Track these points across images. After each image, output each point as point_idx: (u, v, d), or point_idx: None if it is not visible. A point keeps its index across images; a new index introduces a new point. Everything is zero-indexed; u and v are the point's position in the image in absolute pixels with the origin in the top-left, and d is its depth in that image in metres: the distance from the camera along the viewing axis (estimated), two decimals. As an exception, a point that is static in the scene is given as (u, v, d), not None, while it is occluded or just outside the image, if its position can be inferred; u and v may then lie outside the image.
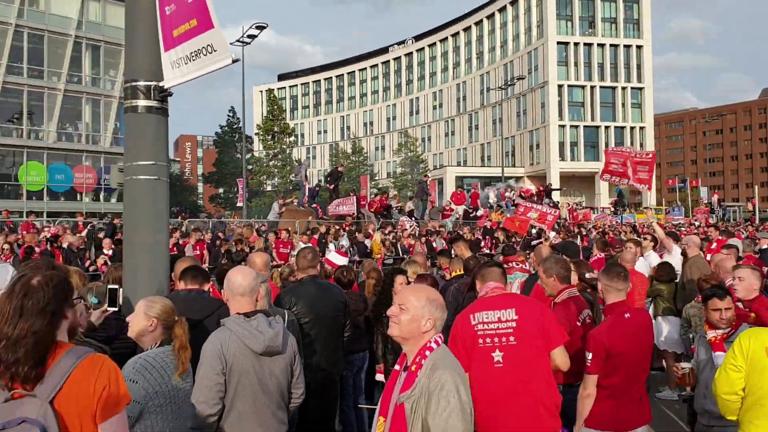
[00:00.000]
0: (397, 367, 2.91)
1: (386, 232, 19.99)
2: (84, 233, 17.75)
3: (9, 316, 2.16)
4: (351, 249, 16.43)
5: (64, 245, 14.73)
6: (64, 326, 2.30)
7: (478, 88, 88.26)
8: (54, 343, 2.22)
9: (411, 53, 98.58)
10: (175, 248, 13.64)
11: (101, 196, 43.27)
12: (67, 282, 2.34)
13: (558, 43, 76.09)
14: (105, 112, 43.41)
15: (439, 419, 2.59)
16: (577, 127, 76.24)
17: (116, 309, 4.13)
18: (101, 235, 16.78)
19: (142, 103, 4.53)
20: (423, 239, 18.49)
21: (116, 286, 4.22)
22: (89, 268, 13.21)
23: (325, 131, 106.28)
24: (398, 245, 17.86)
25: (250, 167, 58.13)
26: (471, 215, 27.75)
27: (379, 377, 6.26)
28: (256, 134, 69.30)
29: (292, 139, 67.15)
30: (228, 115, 71.39)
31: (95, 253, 15.28)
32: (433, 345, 2.78)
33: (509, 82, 62.58)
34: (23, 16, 39.45)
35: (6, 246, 13.39)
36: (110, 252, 14.25)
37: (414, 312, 2.79)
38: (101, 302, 4.11)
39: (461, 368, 2.82)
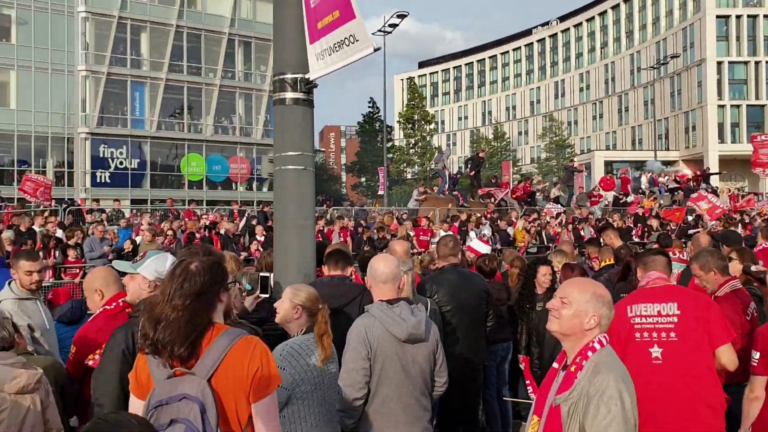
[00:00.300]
0: (555, 365, 2.71)
1: (530, 219, 19.51)
2: (242, 222, 18.72)
3: (170, 298, 2.28)
4: (493, 237, 16.20)
5: (221, 231, 15.68)
6: (219, 308, 2.41)
7: (627, 68, 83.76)
8: (210, 325, 2.32)
9: (555, 34, 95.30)
10: (319, 235, 14.12)
11: (254, 186, 45.69)
12: (222, 267, 2.44)
13: (717, 17, 70.43)
14: (256, 106, 45.73)
15: (598, 427, 2.39)
16: (738, 106, 70.32)
17: (267, 295, 4.32)
18: (254, 222, 17.68)
19: (289, 95, 4.66)
20: (570, 227, 17.86)
21: (267, 274, 4.40)
22: (243, 253, 13.97)
23: (466, 117, 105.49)
24: (543, 233, 17.38)
25: (390, 156, 58.98)
26: (621, 201, 26.44)
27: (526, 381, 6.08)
28: (397, 122, 70.13)
29: (432, 126, 67.26)
30: (368, 106, 72.77)
31: (249, 239, 16.17)
32: (597, 345, 2.56)
33: (662, 61, 58.84)
34: (183, 17, 42.32)
35: (170, 232, 14.47)
36: (262, 238, 14.98)
37: (577, 307, 2.58)
38: (254, 288, 4.31)
39: (627, 373, 2.57)
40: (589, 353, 2.55)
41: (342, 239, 15.48)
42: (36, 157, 39.38)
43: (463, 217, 18.27)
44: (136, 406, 2.33)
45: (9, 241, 10.89)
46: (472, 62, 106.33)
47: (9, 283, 4.53)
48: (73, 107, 39.60)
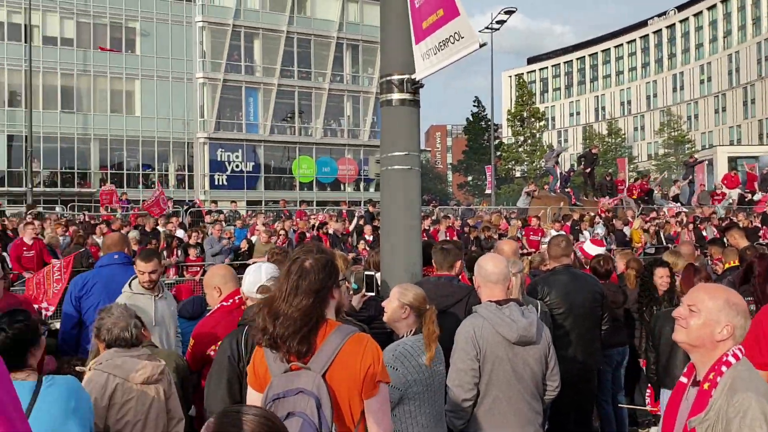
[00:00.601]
0: (683, 379, 2.46)
1: (648, 219, 18.65)
2: (354, 222, 18.94)
3: (285, 295, 2.34)
4: (607, 237, 15.59)
5: (330, 231, 16.01)
6: (332, 305, 2.45)
7: (754, 58, 78.41)
8: (324, 321, 2.37)
9: (673, 25, 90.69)
10: (425, 235, 14.12)
11: (361, 186, 46.43)
12: (334, 264, 2.48)
13: None
14: (364, 108, 46.43)
15: None
16: None
17: (374, 294, 4.35)
18: (362, 222, 17.93)
19: (396, 96, 4.68)
20: (691, 227, 16.93)
21: (373, 273, 4.43)
22: (351, 253, 14.19)
23: (578, 113, 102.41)
24: (661, 233, 16.57)
25: (498, 154, 58.22)
26: (747, 200, 24.77)
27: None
28: (505, 120, 69.15)
29: (542, 123, 65.79)
30: (473, 105, 72.15)
31: (357, 239, 16.42)
32: (731, 359, 2.28)
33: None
34: (293, 23, 43.61)
35: (283, 232, 14.94)
36: (371, 238, 15.18)
37: (707, 316, 2.32)
38: (360, 288, 4.36)
39: None
40: (724, 368, 2.28)
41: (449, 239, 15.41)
42: (159, 161, 41.80)
43: (576, 216, 17.71)
44: (254, 398, 2.42)
45: (135, 241, 11.59)
46: (583, 56, 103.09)
47: (131, 280, 4.88)
48: (192, 113, 41.72)
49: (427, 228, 15.45)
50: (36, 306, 6.49)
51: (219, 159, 41.95)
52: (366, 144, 45.95)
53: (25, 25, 35.45)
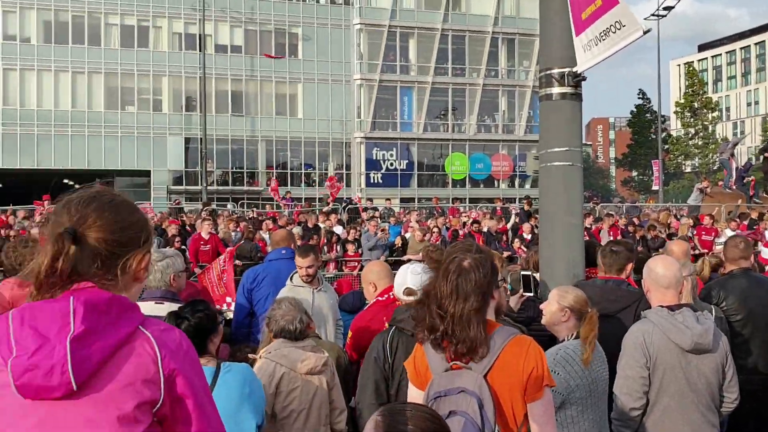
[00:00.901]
0: None
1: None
2: (511, 220, 18.62)
3: (446, 295, 2.34)
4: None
5: (484, 229, 15.88)
6: (492, 305, 2.43)
7: None
8: (484, 321, 2.34)
9: None
10: (586, 234, 13.58)
11: (516, 183, 45.66)
12: (493, 263, 2.45)
13: None
14: (519, 102, 45.61)
15: None
16: None
17: (532, 294, 4.26)
18: (517, 219, 17.62)
19: (556, 90, 4.56)
20: None
21: (529, 272, 4.34)
22: (506, 252, 13.98)
23: (756, 102, 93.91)
24: None
25: (666, 147, 54.82)
26: None
27: None
28: (674, 112, 64.95)
29: (715, 114, 61.11)
30: (638, 97, 68.35)
31: (512, 237, 16.15)
32: None
33: None
34: (448, 20, 43.73)
35: (436, 229, 15.05)
36: (529, 236, 14.87)
37: None
38: (516, 288, 4.28)
39: None
40: None
41: (612, 238, 14.74)
42: (319, 160, 43.64)
43: (754, 215, 16.27)
44: (415, 395, 2.43)
45: (298, 236, 12.20)
46: (763, 41, 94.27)
47: (292, 274, 5.19)
48: (349, 114, 43.11)
49: (588, 226, 14.88)
50: (219, 304, 7.25)
51: (374, 158, 43.03)
52: (521, 139, 45.13)
53: (200, 35, 38.39)
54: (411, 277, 3.55)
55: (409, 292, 3.43)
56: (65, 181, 39.75)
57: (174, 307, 3.41)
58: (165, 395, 1.53)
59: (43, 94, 38.50)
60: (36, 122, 37.88)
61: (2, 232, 13.73)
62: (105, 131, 38.93)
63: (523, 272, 4.38)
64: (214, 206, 23.07)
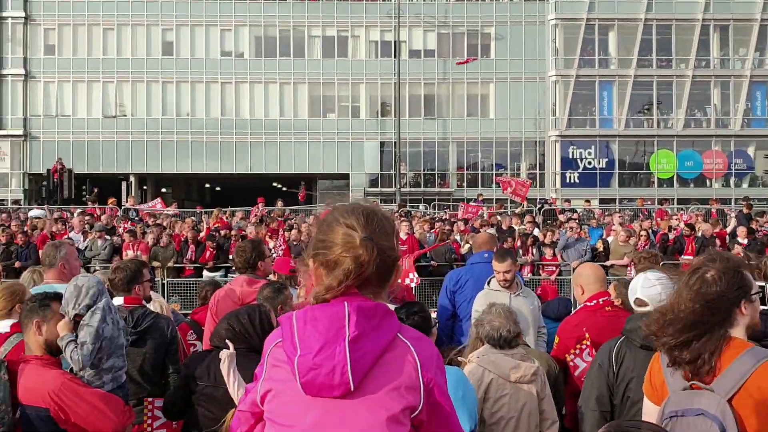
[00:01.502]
0: None
1: None
2: (729, 226, 16.99)
3: (684, 309, 2.15)
4: None
5: (698, 234, 14.59)
6: (740, 322, 2.18)
7: None
8: (727, 338, 2.12)
9: None
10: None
11: (731, 182, 41.80)
12: (742, 274, 2.19)
13: None
14: (735, 94, 41.71)
15: None
16: None
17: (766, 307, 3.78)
18: (736, 224, 16.00)
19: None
20: None
21: (764, 284, 3.87)
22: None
23: None
24: None
25: None
26: None
27: None
28: None
29: None
30: None
31: (730, 241, 14.68)
32: None
33: None
34: (651, 9, 41.13)
35: (643, 233, 14.07)
36: (745, 241, 13.51)
37: None
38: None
39: None
40: None
41: None
42: (511, 161, 43.10)
43: None
44: (650, 409, 2.32)
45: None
46: None
47: (490, 279, 5.16)
48: (544, 112, 42.12)
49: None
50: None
51: (571, 156, 41.65)
52: (737, 134, 41.25)
53: (395, 42, 39.76)
54: (642, 287, 3.40)
55: (639, 302, 3.26)
56: (273, 184, 43.11)
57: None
58: (424, 402, 1.63)
59: (255, 104, 42.11)
60: (249, 131, 41.45)
61: (223, 232, 15.07)
62: (309, 137, 41.63)
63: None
64: (408, 208, 23.64)
